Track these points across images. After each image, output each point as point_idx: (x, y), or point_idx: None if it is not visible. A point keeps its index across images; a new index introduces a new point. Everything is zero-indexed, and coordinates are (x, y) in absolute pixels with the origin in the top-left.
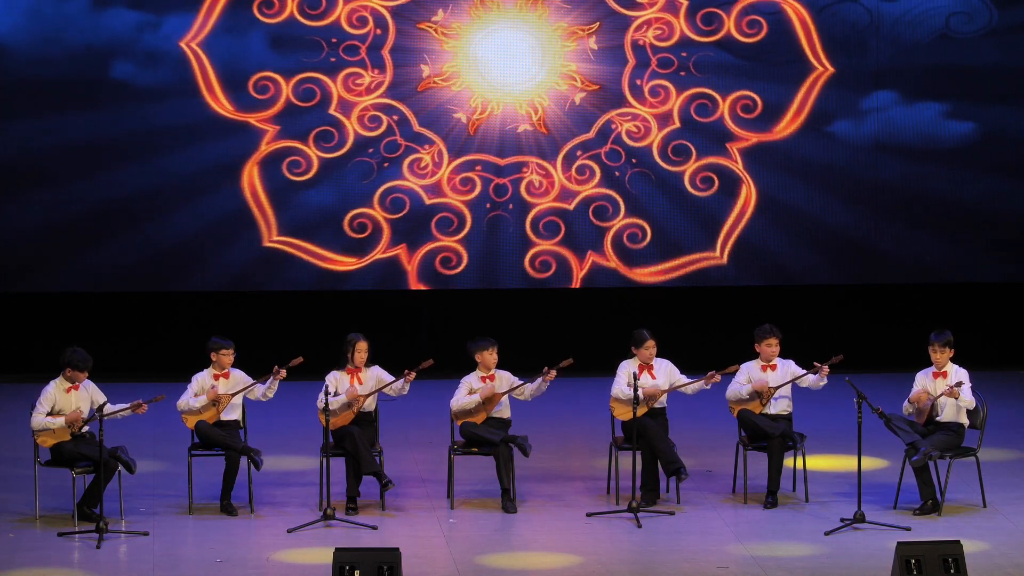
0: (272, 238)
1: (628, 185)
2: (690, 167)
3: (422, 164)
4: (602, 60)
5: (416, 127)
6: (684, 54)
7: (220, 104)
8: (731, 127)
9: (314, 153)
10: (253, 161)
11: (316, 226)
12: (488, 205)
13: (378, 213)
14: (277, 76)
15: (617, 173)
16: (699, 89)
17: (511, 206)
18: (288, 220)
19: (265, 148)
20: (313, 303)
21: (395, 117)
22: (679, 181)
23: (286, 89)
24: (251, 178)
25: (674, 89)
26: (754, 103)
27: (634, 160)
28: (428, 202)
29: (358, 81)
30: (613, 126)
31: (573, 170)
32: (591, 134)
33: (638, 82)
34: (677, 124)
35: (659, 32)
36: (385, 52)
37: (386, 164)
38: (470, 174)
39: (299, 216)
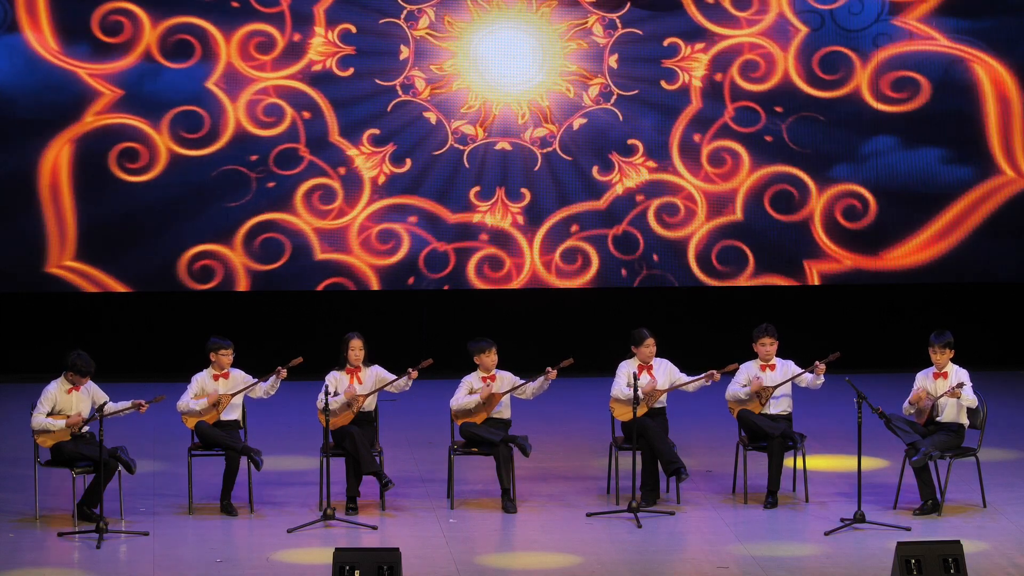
0: (61, 262)
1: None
2: (740, 281)
3: (327, 195)
4: (646, 91)
5: (335, 135)
6: (780, 108)
7: (43, 40)
8: (820, 237)
9: (165, 143)
10: (65, 138)
11: (135, 256)
12: (411, 280)
13: (237, 256)
14: (139, 11)
15: (624, 271)
16: (787, 168)
17: (447, 287)
18: (95, 240)
19: (90, 121)
20: (313, 302)
21: (306, 114)
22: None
23: (148, 35)
24: (55, 164)
25: (748, 159)
26: (864, 206)
27: (656, 256)
28: (320, 256)
29: (264, 46)
30: (638, 198)
31: (558, 254)
32: (600, 202)
33: (696, 138)
34: (738, 215)
35: (752, 66)
36: (320, 9)
37: (272, 184)
38: (397, 226)
39: (115, 236)
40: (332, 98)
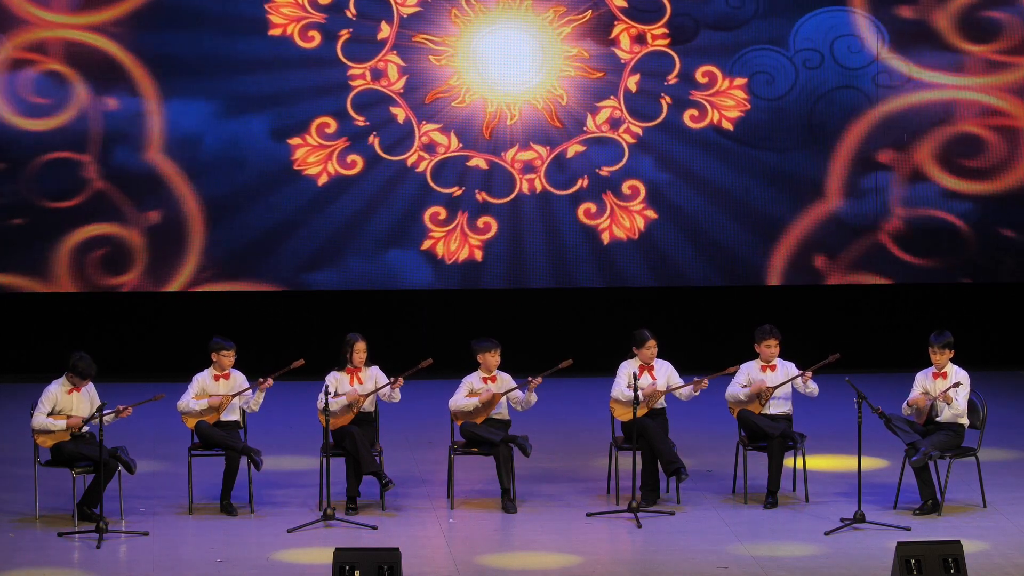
0: None
1: None
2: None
3: (117, 257)
4: (669, 124)
5: (156, 150)
6: (1011, 232)
7: None
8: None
9: None
10: None
11: None
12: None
13: None
14: None
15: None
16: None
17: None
18: None
19: None
20: (313, 303)
21: (112, 103)
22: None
23: None
24: None
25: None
26: None
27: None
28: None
29: None
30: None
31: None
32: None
33: (818, 261)
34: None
35: (970, 145)
36: None
37: (19, 221)
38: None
39: None
40: (173, 76)
